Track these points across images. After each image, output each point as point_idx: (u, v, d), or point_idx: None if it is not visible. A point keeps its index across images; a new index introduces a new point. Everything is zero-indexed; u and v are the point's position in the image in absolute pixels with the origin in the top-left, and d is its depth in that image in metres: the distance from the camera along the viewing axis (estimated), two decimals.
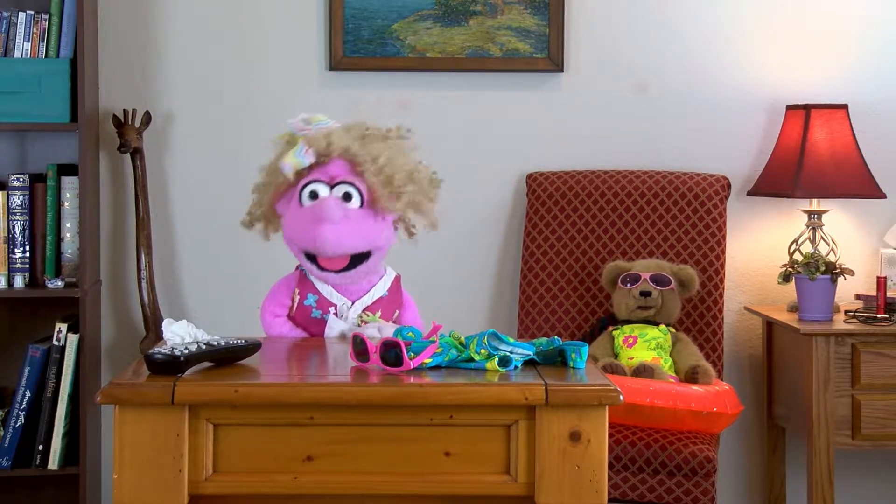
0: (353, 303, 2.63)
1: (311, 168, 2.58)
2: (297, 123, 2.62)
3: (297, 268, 2.69)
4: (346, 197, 2.55)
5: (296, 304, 2.64)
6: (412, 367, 2.21)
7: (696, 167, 3.97)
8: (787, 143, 3.85)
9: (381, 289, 2.66)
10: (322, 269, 2.59)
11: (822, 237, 3.81)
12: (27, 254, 3.65)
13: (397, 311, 2.68)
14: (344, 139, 2.59)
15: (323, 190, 2.56)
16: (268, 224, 2.68)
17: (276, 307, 2.66)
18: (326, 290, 2.62)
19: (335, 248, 2.52)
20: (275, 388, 2.13)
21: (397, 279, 2.69)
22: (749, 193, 3.94)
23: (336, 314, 2.62)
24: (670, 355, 3.55)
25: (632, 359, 3.51)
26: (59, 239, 3.68)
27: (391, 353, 2.22)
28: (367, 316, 2.62)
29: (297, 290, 2.64)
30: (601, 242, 3.83)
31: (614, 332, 3.61)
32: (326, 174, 2.57)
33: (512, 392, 2.11)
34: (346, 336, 2.57)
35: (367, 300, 2.64)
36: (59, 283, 3.62)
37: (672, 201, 3.83)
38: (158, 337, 3.73)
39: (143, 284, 3.82)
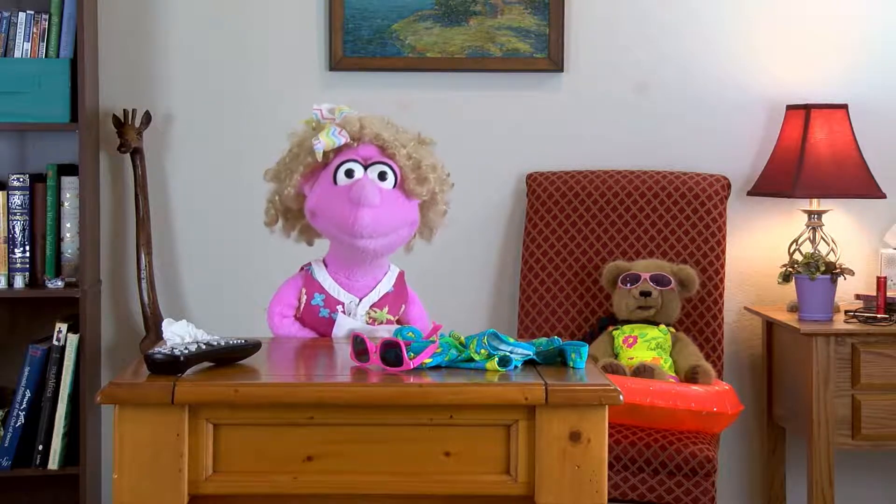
0: (360, 300, 2.64)
1: (339, 150, 2.62)
2: (321, 111, 2.65)
3: (301, 268, 2.69)
4: (382, 176, 2.59)
5: (303, 305, 2.65)
6: (412, 367, 2.21)
7: (696, 167, 3.96)
8: (787, 143, 3.85)
9: (386, 285, 2.67)
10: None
11: (822, 237, 3.81)
12: (27, 254, 3.65)
13: (403, 306, 2.70)
14: (375, 124, 2.65)
15: (358, 169, 2.59)
16: (288, 219, 2.71)
17: (284, 308, 2.66)
18: (334, 289, 2.63)
19: (373, 231, 2.55)
20: (274, 388, 2.13)
21: (401, 275, 2.71)
22: (749, 193, 3.93)
23: (344, 312, 2.62)
24: (670, 355, 3.55)
25: (632, 359, 3.50)
26: (59, 239, 3.68)
27: (391, 353, 2.22)
28: (376, 312, 2.63)
29: (303, 290, 2.65)
30: (601, 242, 3.83)
31: (614, 332, 3.61)
32: (359, 156, 2.61)
33: (512, 392, 2.11)
34: None
35: (374, 297, 2.65)
36: (59, 283, 3.62)
37: (672, 201, 3.83)
38: (158, 337, 3.73)
39: (143, 284, 3.82)
